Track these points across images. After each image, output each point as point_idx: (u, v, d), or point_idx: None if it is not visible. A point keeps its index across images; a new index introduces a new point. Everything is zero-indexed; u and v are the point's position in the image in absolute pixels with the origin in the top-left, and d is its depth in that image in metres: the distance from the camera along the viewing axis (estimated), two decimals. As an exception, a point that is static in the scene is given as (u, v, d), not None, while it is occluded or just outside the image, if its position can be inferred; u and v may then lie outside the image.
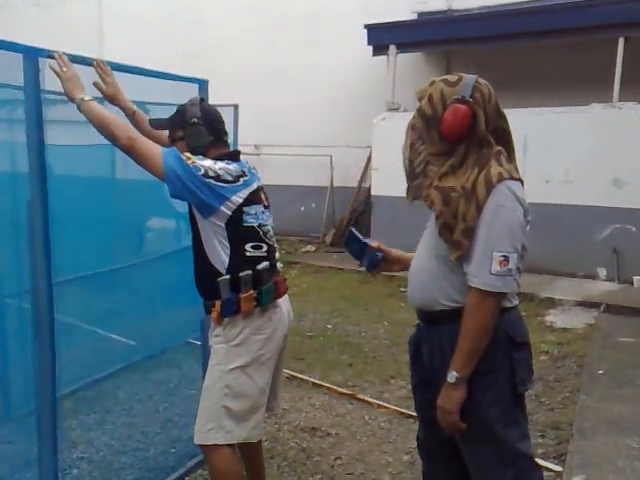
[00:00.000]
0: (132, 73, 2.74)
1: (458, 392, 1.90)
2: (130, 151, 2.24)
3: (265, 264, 2.44)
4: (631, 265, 7.48)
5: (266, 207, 2.52)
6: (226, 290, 2.38)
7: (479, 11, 9.20)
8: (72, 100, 2.26)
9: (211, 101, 4.85)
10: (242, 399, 2.42)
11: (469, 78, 1.96)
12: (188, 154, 2.31)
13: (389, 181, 8.01)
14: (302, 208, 11.16)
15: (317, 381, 4.49)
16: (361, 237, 2.30)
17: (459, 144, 1.92)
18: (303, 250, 10.11)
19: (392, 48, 9.17)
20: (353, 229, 2.36)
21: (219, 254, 2.39)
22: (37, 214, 2.22)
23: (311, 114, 10.78)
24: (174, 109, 3.90)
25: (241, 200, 2.36)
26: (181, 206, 5.69)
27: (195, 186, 2.25)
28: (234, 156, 2.52)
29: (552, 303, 6.83)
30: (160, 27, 11.69)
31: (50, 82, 2.32)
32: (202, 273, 2.48)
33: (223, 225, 2.35)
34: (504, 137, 2.02)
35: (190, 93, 3.18)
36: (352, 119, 10.20)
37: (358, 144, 10.04)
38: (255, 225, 2.42)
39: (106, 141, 2.30)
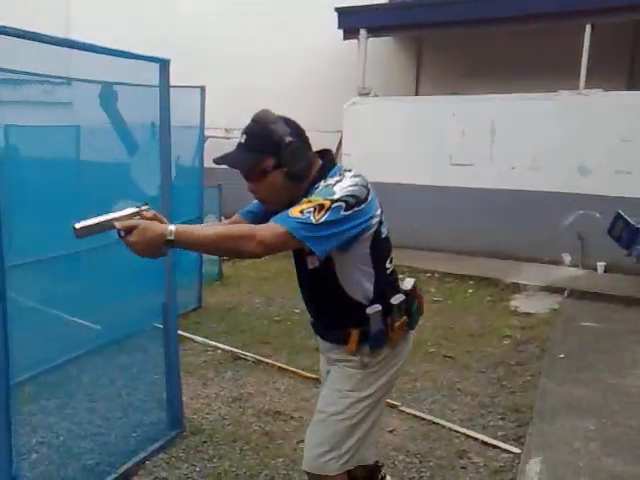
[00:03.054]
0: (91, 51, 2.67)
1: None
2: (266, 252, 1.85)
3: (411, 281, 2.24)
4: (595, 251, 7.61)
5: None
6: (377, 321, 2.08)
7: (450, -4, 9.19)
8: (163, 245, 1.80)
9: (179, 82, 4.78)
10: (368, 424, 2.19)
11: None
12: (308, 202, 1.87)
13: (360, 166, 7.95)
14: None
15: (282, 365, 4.50)
16: (631, 221, 1.88)
17: None
18: (273, 234, 10.09)
19: (363, 32, 9.14)
20: (621, 212, 2.01)
21: (361, 284, 2.08)
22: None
23: (281, 97, 10.63)
24: (137, 89, 3.82)
25: (378, 214, 2.03)
26: (150, 190, 5.62)
27: (345, 229, 1.89)
28: (332, 161, 2.14)
29: (517, 288, 6.93)
30: (128, 8, 11.48)
31: (4, 60, 2.25)
32: (336, 310, 2.16)
33: (368, 250, 2.04)
34: None
35: (153, 72, 3.13)
36: (322, 103, 10.13)
37: (328, 129, 9.98)
38: (387, 234, 2.13)
39: (70, 122, 2.22)
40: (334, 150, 10.17)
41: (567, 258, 7.87)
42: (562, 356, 4.72)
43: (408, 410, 3.80)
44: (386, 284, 2.13)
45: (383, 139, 8.74)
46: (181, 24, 11.12)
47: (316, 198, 1.88)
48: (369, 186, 2.00)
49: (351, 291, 2.09)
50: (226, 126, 10.86)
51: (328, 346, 2.27)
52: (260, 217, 2.16)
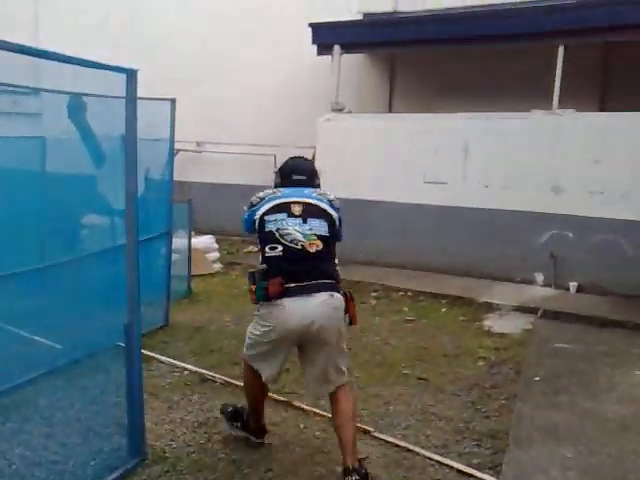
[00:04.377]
0: (56, 60, 2.52)
1: None
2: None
3: (262, 266, 3.09)
4: (568, 271, 7.60)
5: (296, 216, 3.12)
6: (250, 278, 3.12)
7: (425, 14, 9.20)
8: None
9: (151, 94, 4.62)
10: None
11: None
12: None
13: (333, 183, 7.86)
14: (245, 208, 10.95)
15: (252, 387, 4.32)
16: None
17: None
18: (245, 251, 9.89)
19: (337, 48, 9.07)
20: None
21: (260, 258, 3.18)
22: None
23: (255, 112, 10.61)
24: (105, 101, 3.74)
25: (261, 212, 3.18)
26: (115, 203, 5.45)
27: (247, 217, 3.31)
28: (288, 184, 3.36)
29: (490, 308, 6.86)
30: (97, 18, 11.32)
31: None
32: None
33: (257, 234, 3.20)
34: None
35: (120, 83, 2.99)
36: (296, 119, 10.05)
37: (302, 144, 9.89)
38: (273, 229, 3.10)
39: (35, 133, 2.09)
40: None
41: (539, 278, 7.84)
42: (537, 379, 4.64)
43: (381, 436, 3.66)
44: (265, 261, 3.10)
45: (357, 156, 8.67)
46: (151, 35, 10.97)
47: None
48: (267, 198, 3.24)
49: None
50: (198, 139, 10.74)
51: None
52: None
